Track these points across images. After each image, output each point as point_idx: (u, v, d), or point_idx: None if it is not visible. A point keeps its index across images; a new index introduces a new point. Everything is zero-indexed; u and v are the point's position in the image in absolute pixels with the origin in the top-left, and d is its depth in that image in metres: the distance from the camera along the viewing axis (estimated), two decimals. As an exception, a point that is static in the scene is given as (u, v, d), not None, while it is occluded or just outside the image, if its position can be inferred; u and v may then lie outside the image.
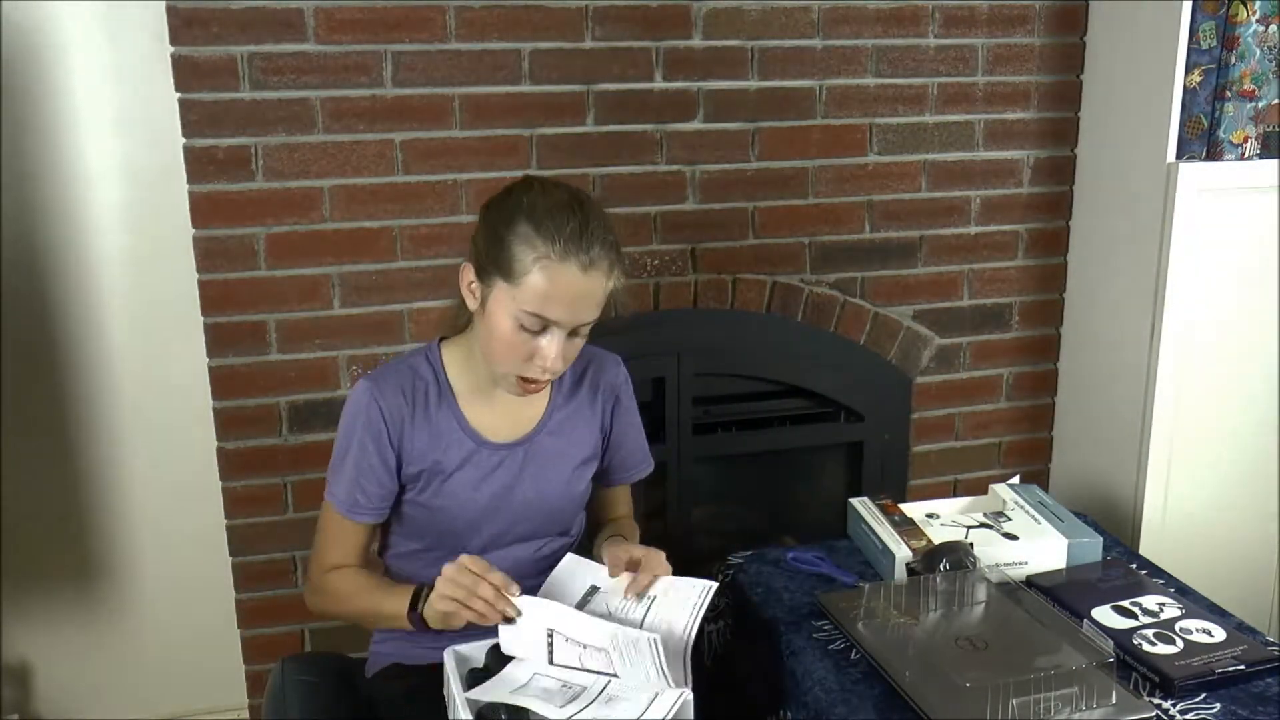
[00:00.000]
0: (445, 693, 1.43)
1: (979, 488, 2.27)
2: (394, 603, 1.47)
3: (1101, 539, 1.85)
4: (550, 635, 1.40)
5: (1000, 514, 1.92)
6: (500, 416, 1.58)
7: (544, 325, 1.42)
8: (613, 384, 1.67)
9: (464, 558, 1.40)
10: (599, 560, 1.58)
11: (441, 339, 1.60)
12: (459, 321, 1.58)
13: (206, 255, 2.01)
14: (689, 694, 1.35)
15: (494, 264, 1.43)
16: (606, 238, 1.43)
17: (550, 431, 1.61)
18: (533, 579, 1.62)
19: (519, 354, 1.44)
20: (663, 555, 1.52)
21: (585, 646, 1.40)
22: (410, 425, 1.53)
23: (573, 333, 1.45)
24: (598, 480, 1.71)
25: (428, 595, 1.43)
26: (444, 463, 1.54)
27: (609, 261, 1.43)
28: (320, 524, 1.59)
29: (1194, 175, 2.11)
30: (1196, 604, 1.71)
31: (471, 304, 1.48)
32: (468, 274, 1.48)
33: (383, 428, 1.51)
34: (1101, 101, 2.32)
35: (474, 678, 1.40)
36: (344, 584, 1.55)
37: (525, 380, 1.47)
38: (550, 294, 1.40)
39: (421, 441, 1.54)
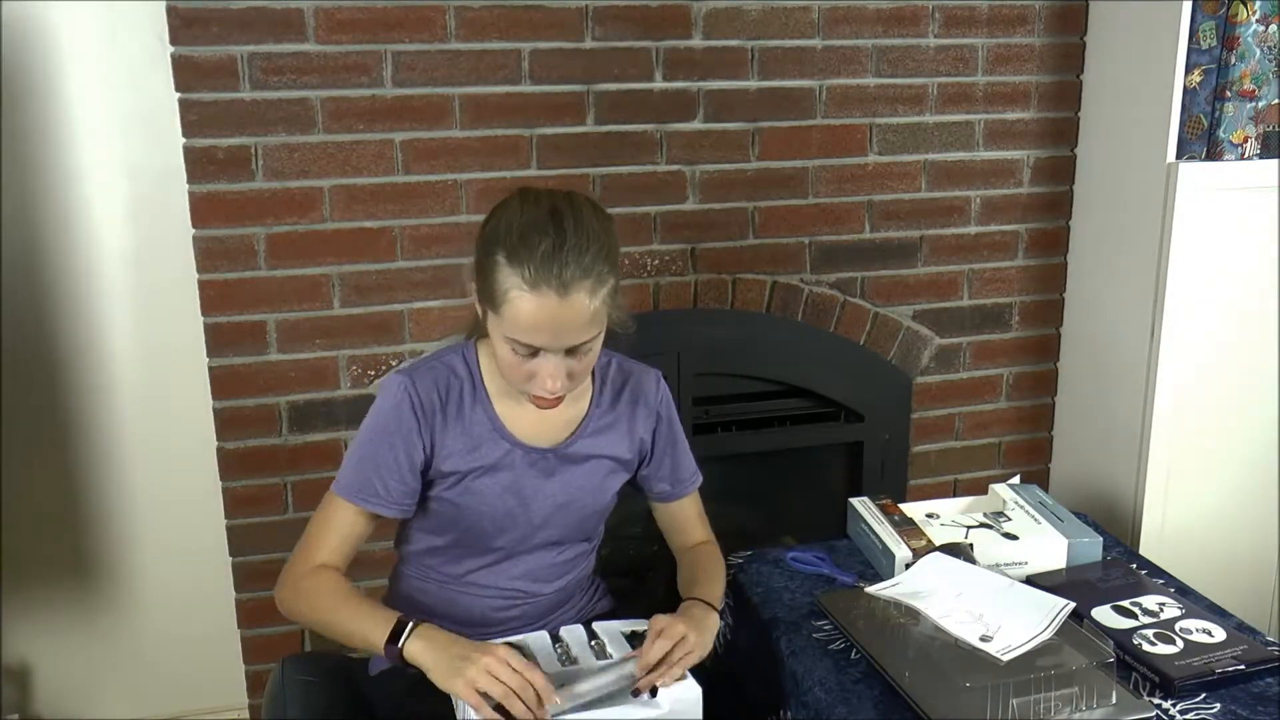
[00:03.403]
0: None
1: (979, 488, 2.27)
2: (374, 628, 1.40)
3: (1101, 539, 1.85)
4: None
5: (1000, 514, 1.92)
6: (535, 420, 1.56)
7: (534, 350, 1.40)
8: (654, 403, 1.64)
9: (503, 652, 1.33)
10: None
11: (477, 338, 1.58)
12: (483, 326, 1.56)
13: (206, 255, 2.01)
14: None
15: (481, 291, 1.42)
16: (583, 257, 1.36)
17: (586, 439, 1.58)
18: (552, 582, 1.62)
19: (520, 375, 1.43)
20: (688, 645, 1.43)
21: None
22: (443, 422, 1.51)
23: (572, 352, 1.41)
24: (659, 499, 1.68)
25: (412, 630, 1.38)
26: (476, 461, 1.52)
27: (592, 279, 1.37)
28: (314, 518, 1.53)
29: (1194, 175, 2.11)
30: (1196, 604, 1.71)
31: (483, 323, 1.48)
32: (472, 294, 1.47)
33: (415, 423, 1.49)
34: (1101, 101, 2.32)
35: None
36: (325, 590, 1.49)
37: (536, 397, 1.46)
38: (528, 324, 1.37)
39: (454, 439, 1.52)
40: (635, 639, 1.47)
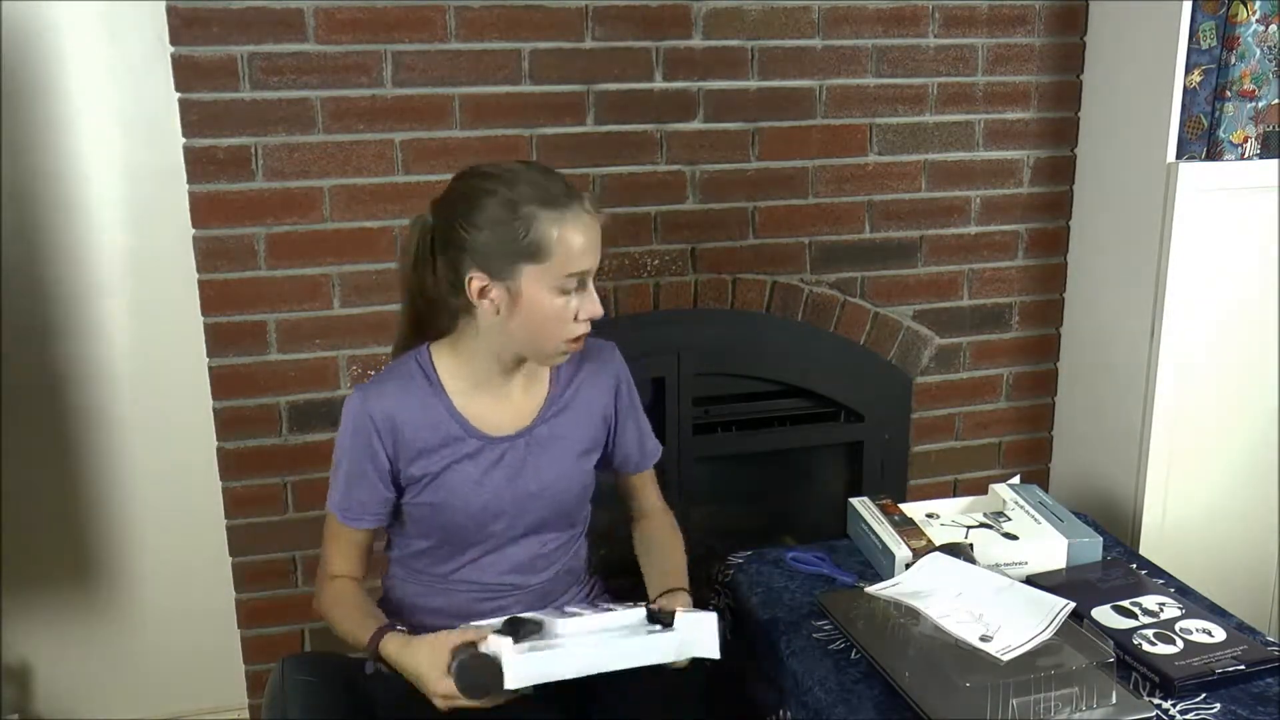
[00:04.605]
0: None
1: (979, 488, 2.27)
2: (363, 632, 1.49)
3: (1101, 539, 1.85)
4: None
5: (1000, 514, 1.92)
6: (498, 410, 1.58)
7: (580, 280, 1.48)
8: (613, 372, 1.68)
9: (444, 690, 1.38)
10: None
11: (430, 344, 1.60)
12: (432, 329, 1.59)
13: (206, 255, 2.01)
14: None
15: (517, 255, 1.45)
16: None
17: (550, 421, 1.61)
18: (541, 573, 1.64)
19: (568, 319, 1.49)
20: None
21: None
22: (404, 429, 1.54)
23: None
24: (620, 470, 1.72)
25: (381, 634, 1.45)
26: (444, 460, 1.55)
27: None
28: (324, 530, 1.62)
29: (1194, 175, 2.11)
30: (1196, 604, 1.71)
31: (490, 310, 1.49)
32: (478, 282, 1.47)
33: (374, 436, 1.53)
34: (1101, 101, 2.32)
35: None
36: (337, 597, 1.57)
37: (574, 340, 1.51)
38: (581, 247, 1.46)
39: (419, 442, 1.54)
40: None
